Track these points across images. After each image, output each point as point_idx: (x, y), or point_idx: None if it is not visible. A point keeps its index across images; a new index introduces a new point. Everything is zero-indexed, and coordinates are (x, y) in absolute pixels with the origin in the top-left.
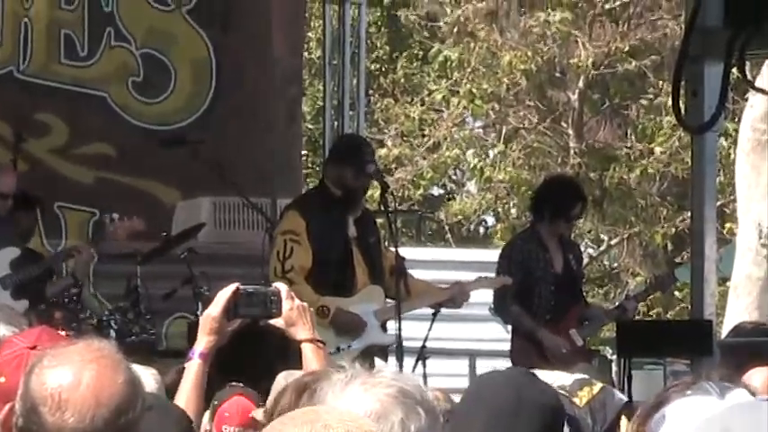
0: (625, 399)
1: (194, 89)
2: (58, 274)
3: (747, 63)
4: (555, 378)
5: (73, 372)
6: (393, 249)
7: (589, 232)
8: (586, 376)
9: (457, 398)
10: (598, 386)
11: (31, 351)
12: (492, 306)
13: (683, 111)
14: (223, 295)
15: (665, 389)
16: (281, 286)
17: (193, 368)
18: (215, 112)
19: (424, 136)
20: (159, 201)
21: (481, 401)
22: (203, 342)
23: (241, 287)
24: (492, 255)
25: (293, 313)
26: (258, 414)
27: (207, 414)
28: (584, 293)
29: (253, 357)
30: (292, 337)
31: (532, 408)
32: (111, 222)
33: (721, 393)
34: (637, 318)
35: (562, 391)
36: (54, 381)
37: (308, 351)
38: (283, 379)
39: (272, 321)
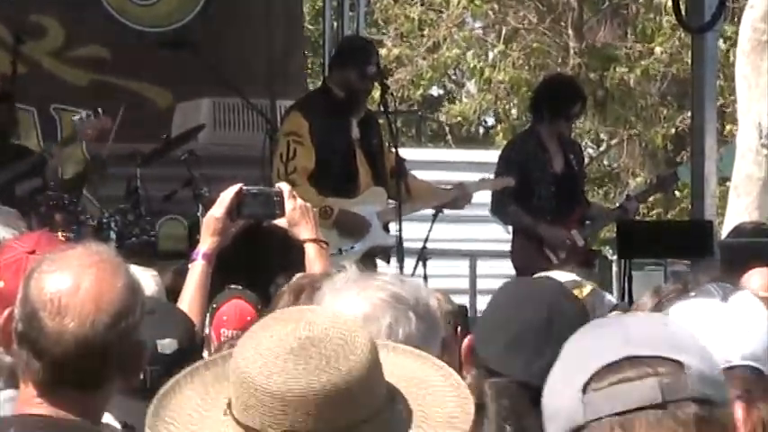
0: (615, 301)
1: None
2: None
3: None
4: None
5: (72, 276)
6: (393, 150)
7: (588, 132)
8: (577, 278)
9: (458, 298)
10: (588, 288)
11: (30, 255)
12: (490, 207)
13: (683, 11)
14: (226, 196)
15: (661, 290)
16: (284, 186)
17: (197, 269)
18: (210, 13)
19: (423, 36)
20: (154, 103)
21: (509, 314)
22: (207, 243)
23: (244, 188)
24: (492, 155)
25: (296, 213)
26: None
27: (206, 317)
28: (585, 193)
29: (253, 259)
30: (296, 237)
31: (562, 323)
32: (80, 121)
33: (725, 296)
34: (637, 218)
35: None
36: (53, 286)
37: (310, 251)
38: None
39: (275, 222)
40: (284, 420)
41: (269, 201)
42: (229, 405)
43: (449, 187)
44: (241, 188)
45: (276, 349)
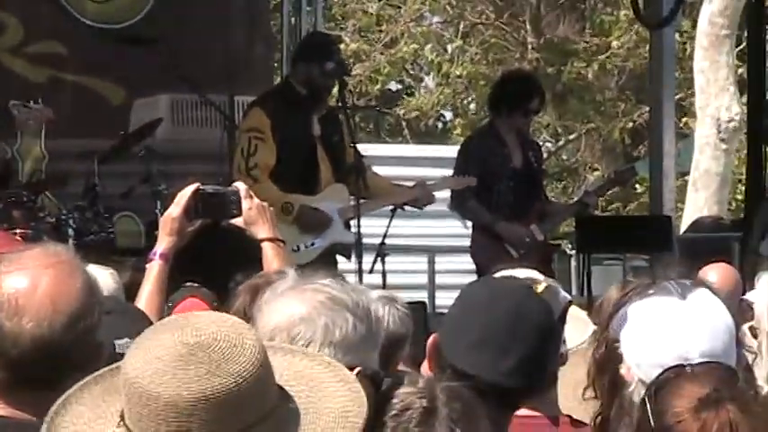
0: (569, 297)
1: None
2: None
3: None
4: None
5: (29, 277)
6: (352, 146)
7: (547, 127)
8: (532, 274)
9: (417, 293)
10: (542, 285)
11: None
12: (449, 203)
13: (641, 5)
14: (183, 195)
15: (628, 285)
16: (240, 185)
17: (154, 269)
18: (165, 7)
19: (381, 32)
20: (107, 100)
21: (476, 314)
22: (164, 243)
23: (201, 187)
24: (450, 151)
25: (252, 212)
26: None
27: (164, 316)
28: (545, 189)
29: (211, 255)
30: (253, 236)
31: (529, 327)
32: (19, 112)
33: (683, 293)
34: (596, 213)
35: None
36: (10, 286)
37: (268, 250)
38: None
39: (232, 221)
40: (178, 427)
41: (225, 200)
42: (122, 417)
43: (410, 185)
44: (198, 188)
45: (165, 357)
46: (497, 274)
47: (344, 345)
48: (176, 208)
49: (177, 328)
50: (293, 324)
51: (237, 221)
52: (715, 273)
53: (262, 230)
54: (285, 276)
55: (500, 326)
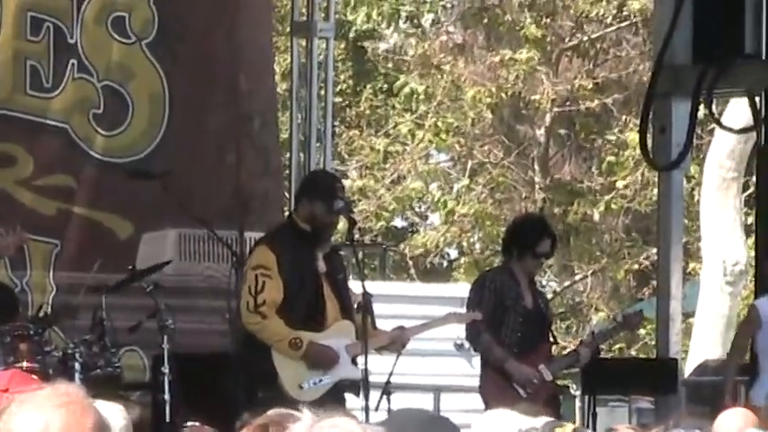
0: None
1: (150, 122)
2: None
3: (713, 101)
4: (525, 421)
5: (41, 417)
6: (359, 285)
7: (551, 267)
8: (551, 419)
9: None
10: (569, 428)
11: (2, 393)
12: (458, 340)
13: (650, 148)
14: None
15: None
16: None
17: None
18: (173, 144)
19: (386, 170)
20: (115, 234)
21: None
22: None
23: None
24: (455, 289)
25: None
26: None
27: None
28: (553, 332)
29: (218, 392)
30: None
31: None
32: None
33: None
34: (601, 354)
35: None
36: (22, 427)
37: None
38: None
39: None
40: None
41: None
42: None
43: (414, 323)
44: None
45: None
46: (514, 419)
47: None
48: None
49: None
50: None
51: None
52: (733, 418)
53: None
54: (298, 417)
55: None
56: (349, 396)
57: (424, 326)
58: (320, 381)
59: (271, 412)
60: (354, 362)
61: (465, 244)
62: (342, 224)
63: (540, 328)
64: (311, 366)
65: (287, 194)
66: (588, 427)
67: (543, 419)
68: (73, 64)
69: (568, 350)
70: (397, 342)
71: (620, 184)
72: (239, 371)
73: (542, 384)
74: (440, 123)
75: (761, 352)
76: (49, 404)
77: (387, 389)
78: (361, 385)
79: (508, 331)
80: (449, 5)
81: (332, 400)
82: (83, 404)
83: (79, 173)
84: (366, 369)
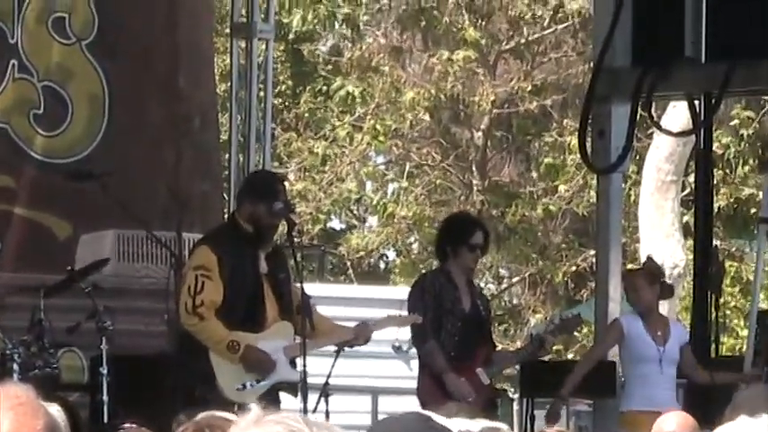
0: None
1: (90, 123)
2: None
3: (653, 104)
4: (461, 424)
5: None
6: (299, 286)
7: (490, 269)
8: (495, 424)
9: None
10: None
11: None
12: (396, 343)
13: (589, 151)
14: None
15: None
16: None
17: None
18: (112, 145)
19: (324, 172)
20: (54, 234)
21: None
22: None
23: None
24: (393, 292)
25: None
26: None
27: None
28: (492, 335)
29: (156, 394)
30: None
31: None
32: None
33: None
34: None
35: None
36: None
37: None
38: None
39: None
40: None
41: None
42: None
43: (351, 324)
44: None
45: None
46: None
47: None
48: None
49: None
50: None
51: None
52: (670, 421)
53: None
54: (232, 420)
55: None
56: (287, 397)
57: (387, 320)
58: (257, 383)
59: (205, 414)
60: (293, 363)
61: (402, 246)
62: (281, 226)
63: (478, 332)
64: (248, 369)
65: (226, 195)
66: (526, 429)
67: (482, 423)
68: (13, 64)
69: (520, 347)
70: (360, 337)
71: (561, 188)
72: (177, 371)
73: (479, 389)
74: (378, 126)
75: (624, 364)
76: None
77: (325, 390)
78: (298, 387)
79: (446, 335)
80: (385, 8)
81: (268, 401)
82: (32, 406)
83: (19, 174)
84: (305, 371)
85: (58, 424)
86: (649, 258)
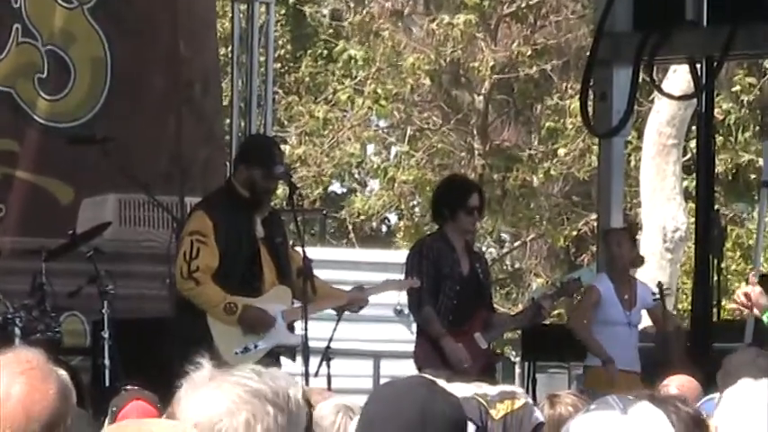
0: (541, 419)
1: (92, 87)
2: None
3: (654, 68)
4: (478, 387)
5: (2, 385)
6: (299, 250)
7: (491, 233)
8: (511, 388)
9: (362, 398)
10: (521, 401)
11: None
12: (398, 306)
13: (590, 115)
14: None
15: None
16: None
17: None
18: (114, 110)
19: (324, 136)
20: (56, 199)
21: (383, 417)
22: None
23: None
24: (395, 255)
25: None
26: None
27: (106, 420)
28: (491, 299)
29: (156, 357)
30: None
31: (437, 423)
32: None
33: (624, 408)
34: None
35: (482, 400)
36: None
37: None
38: None
39: None
40: None
41: None
42: None
43: (348, 288)
44: None
45: None
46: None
47: None
48: None
49: None
50: (215, 421)
51: None
52: (676, 385)
53: None
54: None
55: (407, 427)
56: (287, 362)
57: (386, 284)
58: (255, 346)
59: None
60: (291, 327)
61: (404, 208)
62: (282, 190)
63: (477, 295)
64: (247, 331)
65: (227, 160)
66: (528, 392)
67: (499, 387)
68: (17, 28)
69: (519, 311)
70: (355, 302)
71: (561, 152)
72: (175, 337)
73: (477, 354)
74: (379, 90)
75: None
76: (10, 371)
77: (326, 354)
78: (297, 351)
79: (445, 299)
80: None
81: (266, 365)
82: (44, 370)
83: (23, 137)
84: (306, 335)
85: (70, 388)
86: (631, 222)
